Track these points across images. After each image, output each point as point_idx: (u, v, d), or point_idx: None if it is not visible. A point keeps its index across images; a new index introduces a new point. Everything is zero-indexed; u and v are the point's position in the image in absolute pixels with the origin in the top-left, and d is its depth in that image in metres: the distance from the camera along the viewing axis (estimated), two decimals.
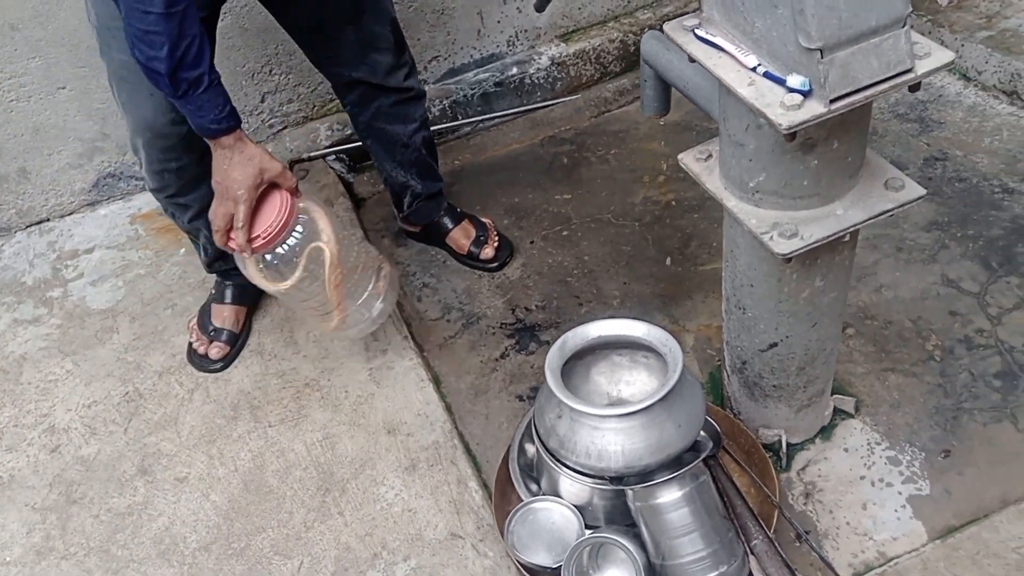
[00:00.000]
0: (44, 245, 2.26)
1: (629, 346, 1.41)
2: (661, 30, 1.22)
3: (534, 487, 1.43)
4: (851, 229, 1.12)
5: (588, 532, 1.32)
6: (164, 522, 1.58)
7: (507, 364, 1.81)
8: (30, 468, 1.71)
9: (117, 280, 2.13)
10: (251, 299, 1.93)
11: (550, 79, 2.50)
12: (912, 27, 0.96)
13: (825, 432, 1.54)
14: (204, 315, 1.89)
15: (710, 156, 1.25)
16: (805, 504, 1.45)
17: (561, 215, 2.15)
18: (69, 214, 2.35)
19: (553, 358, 1.33)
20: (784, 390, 1.41)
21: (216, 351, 1.85)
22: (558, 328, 1.85)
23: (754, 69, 1.01)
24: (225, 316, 1.88)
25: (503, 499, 1.45)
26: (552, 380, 1.29)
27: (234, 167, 1.37)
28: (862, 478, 1.46)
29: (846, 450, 1.51)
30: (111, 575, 1.51)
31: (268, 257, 1.45)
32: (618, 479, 1.28)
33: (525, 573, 1.35)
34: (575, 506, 1.35)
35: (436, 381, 1.79)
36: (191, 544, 1.54)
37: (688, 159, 1.27)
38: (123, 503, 1.63)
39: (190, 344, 1.88)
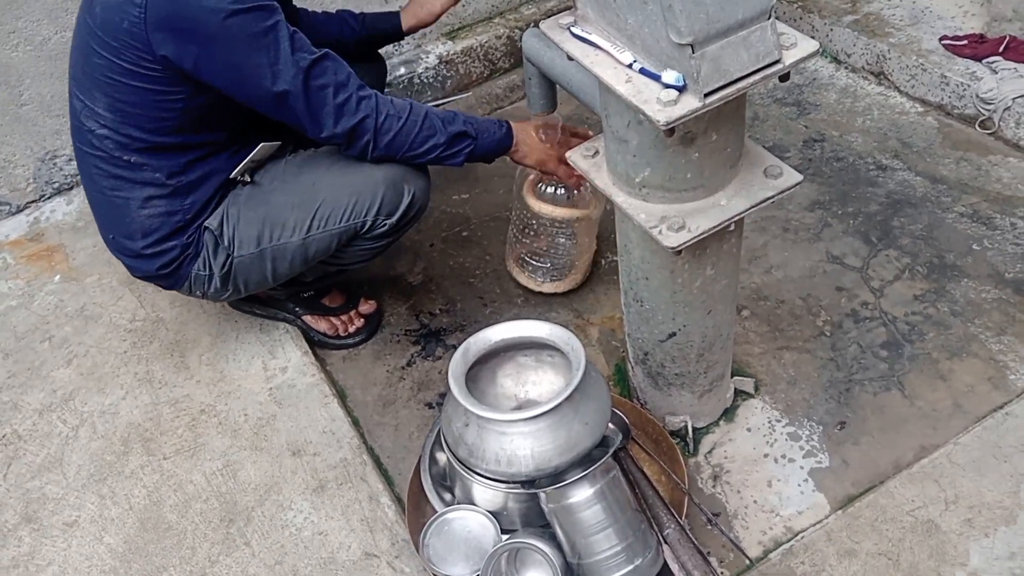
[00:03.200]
0: None
1: (533, 346, 1.40)
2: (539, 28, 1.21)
3: (448, 496, 1.41)
4: (735, 218, 1.14)
5: (504, 538, 1.31)
6: (54, 571, 1.48)
7: (414, 372, 1.78)
8: None
9: None
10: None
11: (439, 77, 2.47)
12: (779, 16, 0.98)
13: (728, 414, 1.57)
14: (316, 316, 1.84)
15: (597, 152, 1.25)
16: (714, 487, 1.48)
17: (459, 215, 2.12)
18: None
19: (456, 365, 1.31)
20: (686, 377, 1.44)
21: (355, 326, 1.84)
22: (464, 331, 1.83)
23: (630, 66, 1.01)
24: (333, 297, 1.85)
25: (417, 511, 1.42)
26: (456, 388, 1.26)
27: (536, 152, 1.57)
28: (766, 456, 1.51)
29: (749, 430, 1.55)
30: None
31: (561, 191, 1.72)
32: (530, 482, 1.27)
33: None
34: (490, 512, 1.33)
35: (341, 395, 1.74)
36: None
37: (576, 156, 1.27)
38: (7, 555, 1.51)
39: (325, 334, 1.83)
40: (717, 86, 0.95)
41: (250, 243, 1.52)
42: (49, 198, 2.28)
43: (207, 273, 1.55)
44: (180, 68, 1.34)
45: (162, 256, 1.53)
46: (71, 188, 2.29)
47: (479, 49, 2.51)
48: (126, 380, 1.78)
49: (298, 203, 1.51)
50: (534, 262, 1.86)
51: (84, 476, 1.61)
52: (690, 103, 0.95)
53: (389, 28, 1.83)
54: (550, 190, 1.74)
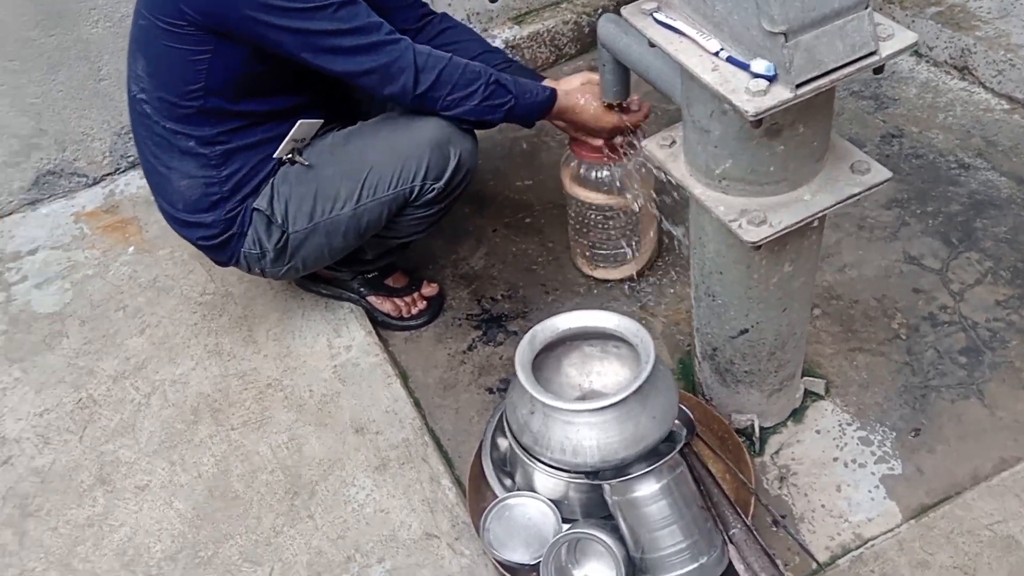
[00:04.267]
0: None
1: (600, 337, 1.39)
2: (617, 12, 1.19)
3: (508, 482, 1.41)
4: (819, 214, 1.11)
5: (566, 527, 1.31)
6: (126, 532, 1.53)
7: (475, 356, 1.78)
8: None
9: (63, 282, 2.04)
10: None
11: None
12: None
13: (797, 415, 1.54)
14: (380, 297, 1.85)
15: (674, 142, 1.23)
16: (780, 488, 1.45)
17: (523, 202, 2.11)
18: (8, 214, 2.24)
19: (523, 352, 1.30)
20: (756, 375, 1.41)
21: (417, 308, 1.85)
22: (525, 318, 1.82)
23: (717, 54, 0.99)
24: (397, 278, 1.86)
25: (477, 495, 1.43)
26: (523, 376, 1.26)
27: (588, 116, 1.55)
28: (835, 460, 1.47)
29: (818, 432, 1.51)
30: None
31: (603, 174, 1.70)
32: (594, 473, 1.26)
33: (503, 571, 1.33)
34: (551, 500, 1.33)
35: (403, 376, 1.75)
36: (156, 554, 1.49)
37: (652, 146, 1.25)
38: (82, 514, 1.57)
39: (388, 315, 1.85)
40: (810, 77, 0.93)
41: (303, 218, 1.54)
42: (124, 171, 2.34)
43: (259, 251, 1.58)
44: (209, 23, 1.35)
45: (200, 228, 1.56)
46: None
47: (545, 34, 2.49)
48: (196, 351, 1.82)
49: (347, 173, 1.52)
50: (594, 250, 1.84)
51: (155, 442, 1.66)
52: (781, 94, 0.93)
53: None
54: (592, 175, 1.71)
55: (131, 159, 2.33)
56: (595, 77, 1.57)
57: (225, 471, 1.59)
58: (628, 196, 1.70)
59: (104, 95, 2.21)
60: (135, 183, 2.30)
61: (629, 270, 1.84)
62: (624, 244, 1.79)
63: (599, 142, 1.60)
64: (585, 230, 1.81)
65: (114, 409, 1.74)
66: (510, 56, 1.76)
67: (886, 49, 0.97)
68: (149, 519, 1.54)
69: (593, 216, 1.78)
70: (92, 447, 1.67)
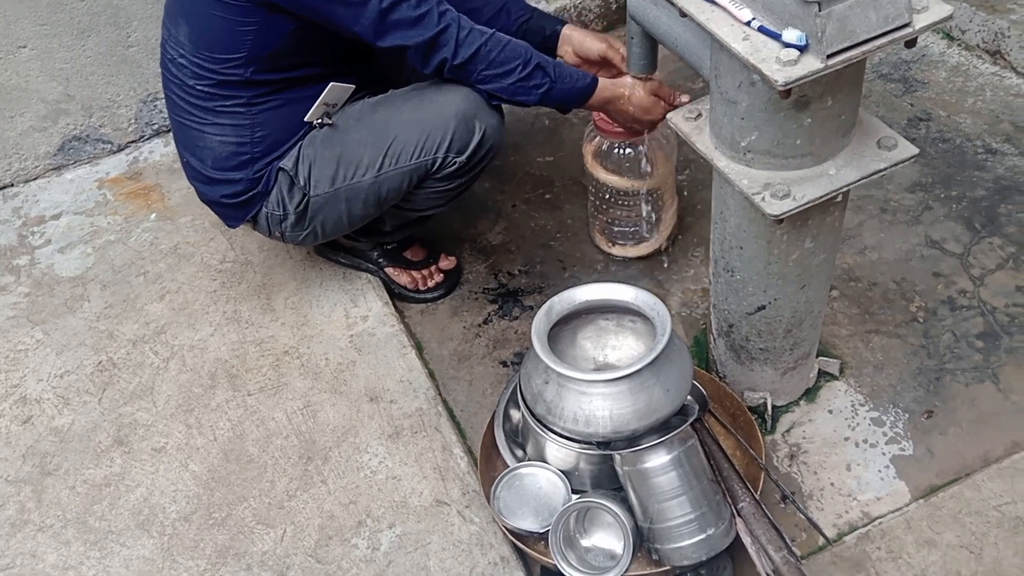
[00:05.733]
0: (9, 211, 2.18)
1: (616, 310, 1.39)
2: None
3: (519, 453, 1.42)
4: (844, 189, 1.10)
5: (575, 497, 1.31)
6: (142, 493, 1.55)
7: (490, 330, 1.79)
8: (2, 440, 1.67)
9: (86, 247, 2.06)
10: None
11: None
12: None
13: (810, 394, 1.54)
14: (397, 268, 1.85)
15: (700, 115, 1.22)
16: (790, 466, 1.45)
17: (543, 178, 2.11)
18: (34, 179, 2.26)
19: (539, 323, 1.31)
20: (771, 353, 1.41)
21: (434, 280, 1.86)
22: (542, 293, 1.83)
23: (748, 23, 0.98)
24: (415, 251, 1.87)
25: (488, 465, 1.44)
26: (539, 346, 1.27)
27: (635, 108, 1.52)
28: (846, 439, 1.47)
29: (830, 412, 1.51)
30: (89, 546, 1.49)
31: (626, 151, 1.68)
32: (606, 444, 1.27)
33: (512, 538, 1.35)
34: (561, 471, 1.34)
35: (418, 347, 1.76)
36: (171, 514, 1.51)
37: (677, 118, 1.24)
38: (99, 474, 1.59)
39: (405, 287, 1.86)
40: (841, 47, 0.92)
41: (325, 182, 1.55)
42: (148, 139, 2.36)
43: (281, 212, 1.59)
44: None
45: (226, 185, 1.58)
46: (169, 131, 2.36)
47: (572, 10, 2.47)
48: (215, 318, 1.84)
49: (371, 141, 1.53)
50: (613, 227, 1.84)
51: (173, 406, 1.68)
52: (811, 64, 0.92)
53: (543, 39, 1.66)
54: (615, 152, 1.70)
55: (156, 127, 2.34)
56: (616, 44, 1.56)
57: (240, 435, 1.61)
58: (649, 180, 1.69)
59: (132, 62, 2.22)
60: (159, 151, 2.31)
61: (648, 248, 1.84)
62: (644, 223, 1.79)
63: (642, 133, 1.59)
64: (605, 207, 1.81)
65: (133, 372, 1.76)
66: (533, 6, 1.72)
67: (920, 22, 0.96)
68: (165, 480, 1.57)
69: (613, 196, 1.77)
70: (111, 409, 1.70)
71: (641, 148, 1.67)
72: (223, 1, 1.40)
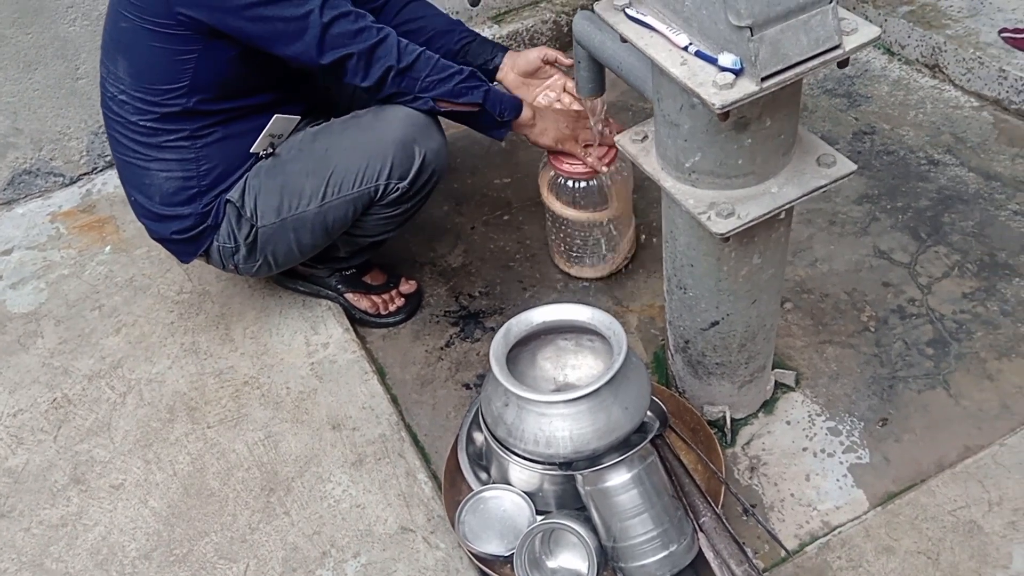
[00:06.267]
0: None
1: (574, 330, 1.40)
2: (593, 10, 1.20)
3: (484, 476, 1.42)
4: (786, 206, 1.13)
5: (539, 518, 1.32)
6: (101, 531, 1.52)
7: (452, 352, 1.79)
8: None
9: (39, 282, 2.03)
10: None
11: None
12: (838, 2, 0.97)
13: (768, 406, 1.56)
14: (357, 294, 1.85)
15: (646, 137, 1.24)
16: (751, 478, 1.47)
17: (501, 199, 2.13)
18: None
19: (498, 346, 1.31)
20: (727, 367, 1.43)
21: (395, 305, 1.86)
22: (502, 314, 1.83)
23: (686, 48, 1.01)
24: (375, 275, 1.87)
25: (453, 489, 1.43)
26: (497, 368, 1.27)
27: (553, 130, 1.60)
28: (804, 450, 1.49)
29: (788, 423, 1.54)
30: None
31: (581, 185, 1.70)
32: (567, 464, 1.27)
33: (478, 563, 1.34)
34: (526, 493, 1.34)
35: (381, 373, 1.76)
36: (130, 553, 1.48)
37: (624, 140, 1.26)
38: (56, 514, 1.56)
39: (366, 312, 1.85)
40: (775, 70, 0.94)
41: (271, 213, 1.55)
42: (101, 171, 2.33)
43: (232, 245, 1.59)
44: (195, 18, 1.37)
45: (175, 221, 1.57)
46: None
47: (524, 33, 2.50)
48: (172, 350, 1.82)
49: (312, 171, 1.53)
50: (572, 251, 1.86)
51: (131, 441, 1.66)
52: (747, 87, 0.95)
53: (485, 62, 1.72)
54: (569, 185, 1.71)
55: (108, 158, 2.32)
56: (552, 53, 1.65)
57: (201, 469, 1.59)
58: (605, 212, 1.71)
59: (81, 94, 2.20)
60: (112, 182, 2.29)
61: (607, 269, 1.86)
62: (602, 248, 1.81)
63: (577, 150, 1.62)
64: (563, 235, 1.83)
65: (89, 408, 1.73)
66: (472, 30, 1.77)
67: (850, 43, 0.99)
68: (124, 518, 1.53)
69: (570, 227, 1.79)
70: (66, 447, 1.66)
71: (595, 182, 1.69)
72: (161, 31, 1.40)
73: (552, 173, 1.73)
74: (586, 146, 1.62)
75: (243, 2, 1.35)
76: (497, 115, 1.55)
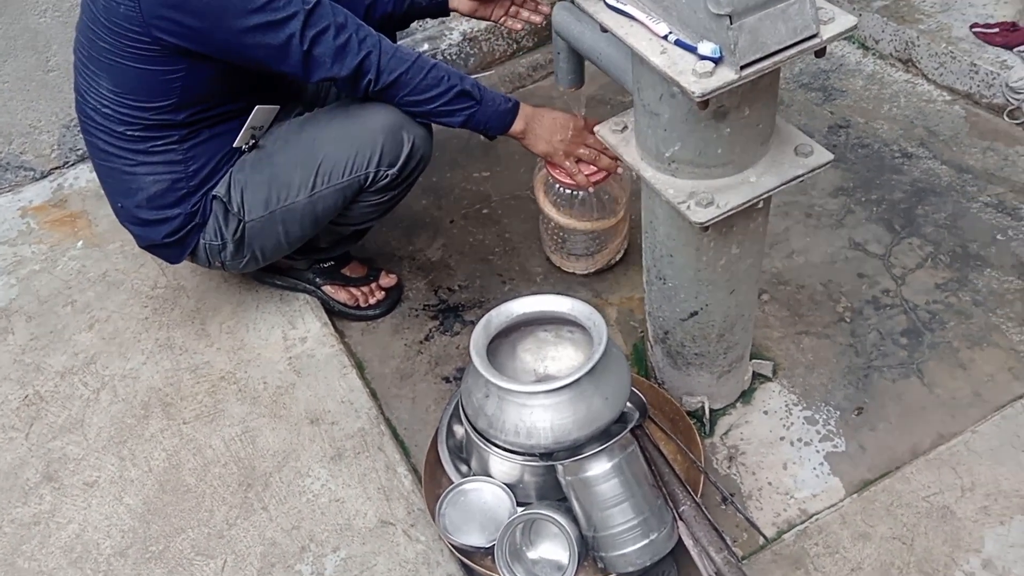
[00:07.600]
0: None
1: (554, 322, 1.40)
2: (572, 1, 1.20)
3: (464, 468, 1.42)
4: (765, 195, 1.13)
5: (520, 509, 1.32)
6: (74, 529, 1.50)
7: (432, 346, 1.78)
8: None
9: (9, 277, 1.99)
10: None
11: (463, 55, 2.46)
12: None
13: (745, 396, 1.57)
14: (336, 286, 1.83)
15: (626, 127, 1.25)
16: (729, 467, 1.48)
17: (480, 193, 2.12)
18: None
19: (478, 337, 1.31)
20: (705, 357, 1.44)
21: (375, 298, 1.84)
22: (482, 307, 1.83)
23: (665, 37, 1.01)
24: (354, 267, 1.85)
25: (433, 482, 1.43)
26: (478, 360, 1.27)
27: (544, 142, 1.54)
28: (782, 439, 1.51)
29: (766, 413, 1.55)
30: None
31: (578, 193, 1.67)
32: (548, 455, 1.27)
33: (458, 555, 1.34)
34: (506, 484, 1.34)
35: (360, 367, 1.75)
36: (105, 550, 1.46)
37: (604, 131, 1.26)
38: (28, 512, 1.53)
39: (345, 305, 1.83)
40: (754, 58, 0.95)
41: (259, 207, 1.54)
42: (73, 165, 2.29)
43: (219, 242, 1.57)
44: (179, 46, 1.35)
45: (167, 224, 1.55)
46: None
47: (503, 27, 2.49)
48: (147, 346, 1.79)
49: (301, 161, 1.52)
50: (564, 251, 1.85)
51: (104, 438, 1.63)
52: (726, 75, 0.95)
53: (429, 3, 1.72)
54: (565, 192, 1.69)
55: (80, 152, 2.28)
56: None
57: (176, 465, 1.57)
58: (604, 221, 1.69)
59: (53, 87, 2.16)
60: (84, 176, 2.25)
61: (599, 263, 1.85)
62: (592, 247, 1.80)
63: (567, 164, 1.58)
64: (557, 237, 1.82)
65: (61, 405, 1.70)
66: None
67: (827, 32, 1.00)
68: (98, 515, 1.51)
69: (562, 229, 1.78)
70: (39, 444, 1.63)
71: (591, 191, 1.66)
72: (145, 54, 1.38)
73: (543, 173, 1.72)
74: (579, 161, 1.57)
75: (227, 34, 1.33)
76: (482, 131, 1.54)
